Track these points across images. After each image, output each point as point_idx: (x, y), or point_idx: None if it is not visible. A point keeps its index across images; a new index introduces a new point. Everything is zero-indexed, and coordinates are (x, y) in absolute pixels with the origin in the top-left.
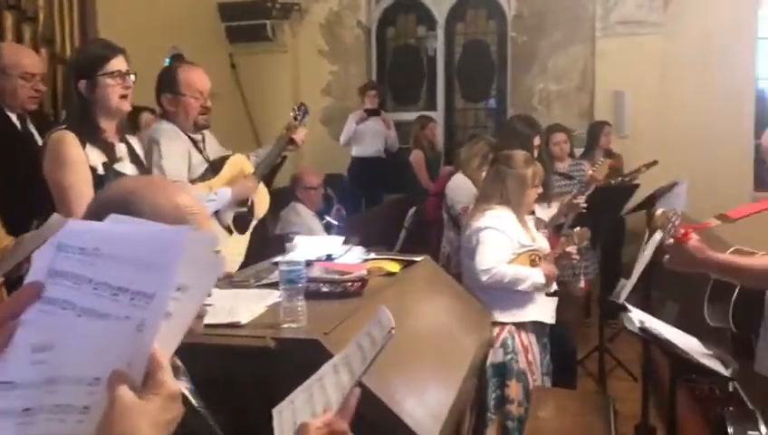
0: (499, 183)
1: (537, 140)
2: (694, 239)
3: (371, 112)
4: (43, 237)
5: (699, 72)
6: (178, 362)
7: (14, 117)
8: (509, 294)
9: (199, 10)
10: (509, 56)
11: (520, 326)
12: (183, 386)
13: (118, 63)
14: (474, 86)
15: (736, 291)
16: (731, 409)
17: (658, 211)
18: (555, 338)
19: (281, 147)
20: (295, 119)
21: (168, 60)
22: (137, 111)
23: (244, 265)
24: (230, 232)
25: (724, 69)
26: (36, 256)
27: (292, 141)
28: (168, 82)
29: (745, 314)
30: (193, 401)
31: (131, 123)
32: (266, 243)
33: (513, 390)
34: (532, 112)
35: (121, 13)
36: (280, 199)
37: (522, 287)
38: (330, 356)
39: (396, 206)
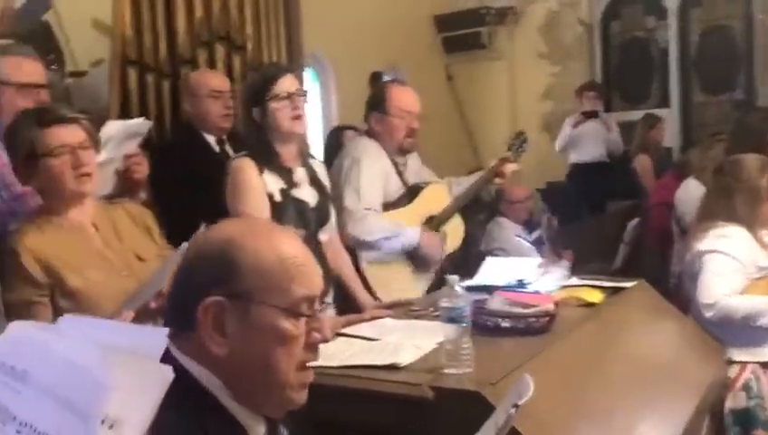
0: (725, 197)
1: None
2: None
3: (589, 115)
4: (169, 269)
5: None
6: (285, 433)
7: (212, 140)
8: (747, 328)
9: (415, 23)
10: (756, 41)
11: (766, 366)
12: None
13: (285, 84)
14: (715, 77)
15: None
16: None
17: None
18: None
19: (485, 179)
20: (509, 149)
21: (385, 78)
22: (340, 130)
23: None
24: (417, 266)
25: None
26: None
27: (499, 175)
28: (376, 101)
29: None
30: None
31: (336, 142)
32: (466, 260)
33: None
34: None
35: (331, 33)
36: (486, 213)
37: (762, 323)
38: (492, 411)
39: (618, 215)
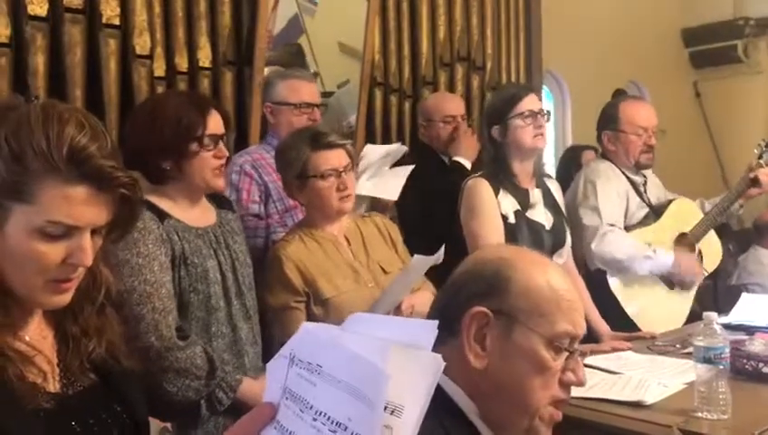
0: None
1: None
2: None
3: None
4: (408, 280)
5: None
6: None
7: (446, 159)
8: None
9: (660, 39)
10: None
11: None
12: None
13: (529, 103)
14: None
15: None
16: None
17: None
18: None
19: (739, 190)
20: (759, 157)
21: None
22: (579, 149)
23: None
24: (671, 287)
25: None
26: (271, 368)
27: (753, 183)
28: (608, 119)
29: None
30: None
31: (574, 162)
32: (715, 294)
33: None
34: None
35: (568, 51)
36: (734, 242)
37: None
38: None
39: None
